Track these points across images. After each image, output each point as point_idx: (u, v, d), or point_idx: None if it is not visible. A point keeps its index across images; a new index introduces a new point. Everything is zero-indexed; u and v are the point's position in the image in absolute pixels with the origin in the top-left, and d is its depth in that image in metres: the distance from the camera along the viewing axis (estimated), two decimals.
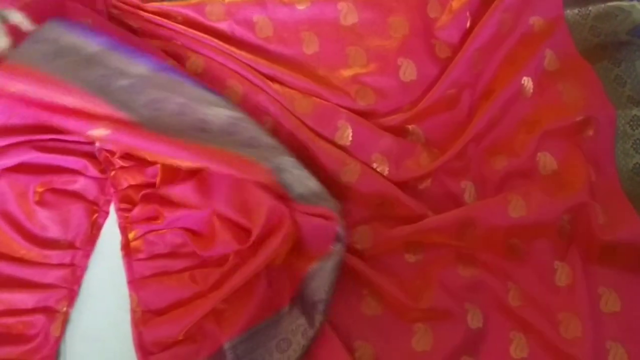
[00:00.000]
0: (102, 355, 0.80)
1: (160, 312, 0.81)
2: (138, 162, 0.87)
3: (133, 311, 0.81)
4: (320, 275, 0.77)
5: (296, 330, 0.76)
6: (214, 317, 0.77)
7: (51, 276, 0.81)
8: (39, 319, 0.79)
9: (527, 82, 0.88)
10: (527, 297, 0.80)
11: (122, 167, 0.87)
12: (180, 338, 0.78)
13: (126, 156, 0.86)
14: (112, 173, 0.87)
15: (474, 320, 0.79)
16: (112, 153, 0.87)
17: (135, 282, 0.82)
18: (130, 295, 0.82)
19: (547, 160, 0.86)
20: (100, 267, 0.85)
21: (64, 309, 0.81)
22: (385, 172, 0.86)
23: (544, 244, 0.81)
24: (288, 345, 0.75)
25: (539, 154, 0.86)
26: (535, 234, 0.81)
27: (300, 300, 0.78)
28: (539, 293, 0.79)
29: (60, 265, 0.83)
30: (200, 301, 0.77)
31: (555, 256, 0.81)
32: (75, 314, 0.82)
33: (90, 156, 0.87)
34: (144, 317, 0.81)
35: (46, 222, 0.83)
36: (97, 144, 0.88)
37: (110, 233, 0.86)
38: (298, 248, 0.80)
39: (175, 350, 0.78)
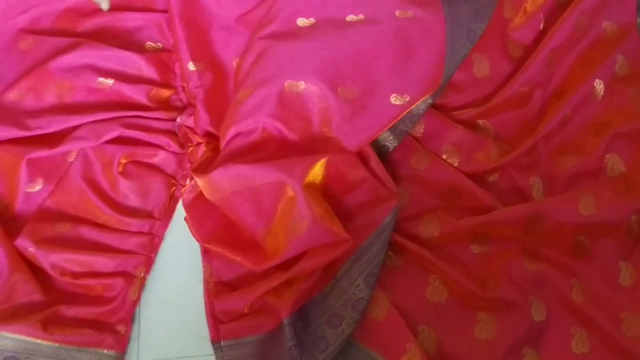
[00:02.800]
0: (175, 321, 0.85)
1: (230, 284, 0.86)
2: (214, 139, 0.91)
3: (206, 282, 0.86)
4: (372, 250, 0.81)
5: (345, 304, 0.80)
6: (275, 293, 0.81)
7: (130, 243, 0.87)
8: (118, 282, 0.84)
9: (599, 84, 0.91)
10: (590, 294, 0.82)
11: (199, 143, 0.91)
12: (246, 311, 0.83)
13: (206, 133, 0.91)
14: (190, 149, 0.91)
15: (538, 313, 0.82)
16: (192, 130, 0.91)
17: (208, 254, 0.87)
18: (204, 267, 0.87)
19: (615, 162, 0.88)
20: (176, 238, 0.90)
21: (142, 274, 0.86)
22: (455, 164, 0.90)
23: (611, 243, 0.83)
24: (340, 321, 0.79)
25: (607, 155, 0.89)
26: (602, 233, 0.84)
27: (348, 274, 0.81)
28: (603, 291, 0.82)
29: (139, 233, 0.88)
30: (266, 281, 0.81)
31: (621, 256, 0.83)
32: (151, 280, 0.87)
33: (171, 133, 0.93)
34: (216, 288, 0.85)
35: (127, 192, 0.89)
36: (178, 120, 0.92)
37: None
38: (354, 217, 0.84)
39: (242, 321, 0.83)
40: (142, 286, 0.85)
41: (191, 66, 0.93)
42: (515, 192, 0.89)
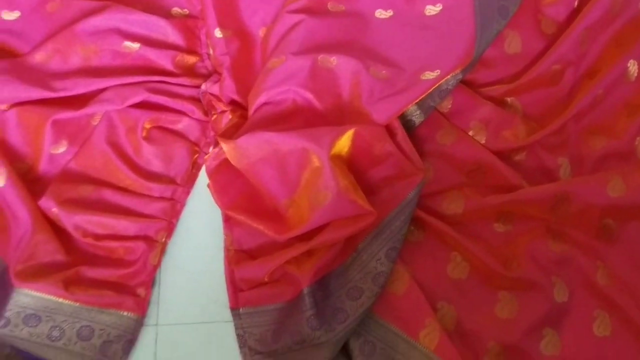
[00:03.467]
0: (194, 287, 0.86)
1: (251, 252, 0.86)
2: (239, 107, 0.91)
3: (227, 249, 0.86)
4: (395, 224, 0.81)
5: (365, 277, 0.80)
6: (296, 263, 0.82)
7: (152, 208, 0.87)
8: (140, 246, 0.84)
9: (632, 65, 0.89)
10: (615, 277, 0.81)
11: (223, 111, 0.91)
12: (266, 280, 0.83)
13: (230, 101, 0.91)
14: (214, 117, 0.91)
15: (560, 294, 0.81)
16: (217, 98, 0.91)
17: (230, 222, 0.87)
18: (225, 234, 0.87)
19: None
20: (198, 205, 0.90)
21: (163, 239, 0.86)
22: (482, 141, 0.89)
23: (638, 226, 0.82)
24: (360, 293, 0.79)
25: (638, 138, 0.87)
26: (630, 216, 0.83)
27: (369, 248, 0.81)
28: (628, 275, 0.81)
29: (161, 199, 0.88)
30: (287, 250, 0.82)
31: None
32: (172, 246, 0.88)
33: (196, 100, 0.93)
34: (237, 256, 0.86)
35: (151, 157, 0.89)
36: (203, 87, 0.92)
37: None
38: (378, 191, 0.84)
39: (261, 290, 0.84)
40: (163, 251, 0.86)
41: (218, 33, 0.93)
42: (542, 171, 0.89)
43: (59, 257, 0.81)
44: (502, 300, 0.81)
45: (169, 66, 0.93)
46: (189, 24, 0.96)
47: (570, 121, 0.89)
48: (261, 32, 0.94)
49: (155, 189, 0.88)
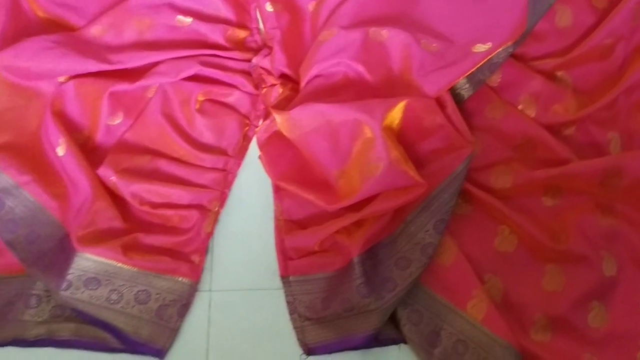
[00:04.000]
0: (246, 255, 0.89)
1: (301, 223, 0.88)
2: (289, 80, 0.93)
3: (277, 219, 0.89)
4: (443, 197, 0.83)
5: (413, 248, 0.82)
6: (346, 233, 0.84)
7: (205, 178, 0.90)
8: (194, 214, 0.87)
9: None
10: None
11: (273, 85, 0.93)
12: (316, 249, 0.86)
13: (281, 75, 0.93)
14: (264, 90, 0.94)
15: (608, 268, 0.82)
16: (267, 71, 0.94)
17: (280, 193, 0.90)
18: (275, 205, 0.90)
19: None
20: (249, 176, 0.93)
21: (216, 208, 0.89)
22: (532, 115, 0.90)
23: None
24: (408, 263, 0.81)
25: None
26: None
27: (418, 219, 0.83)
28: None
29: (214, 169, 0.91)
30: (337, 220, 0.84)
31: None
32: (225, 215, 0.90)
33: (246, 74, 0.95)
34: (287, 225, 0.88)
35: (203, 129, 0.92)
36: (254, 61, 0.94)
37: None
38: (427, 163, 0.85)
39: (311, 259, 0.86)
40: (216, 220, 0.89)
41: (269, 7, 0.95)
42: (591, 146, 0.89)
43: (118, 223, 0.84)
44: (549, 273, 0.82)
45: (220, 40, 0.95)
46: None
47: (621, 95, 0.89)
48: (310, 6, 0.96)
49: (208, 159, 0.91)
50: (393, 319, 0.82)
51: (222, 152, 0.92)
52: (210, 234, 0.88)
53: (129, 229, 0.85)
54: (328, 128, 0.84)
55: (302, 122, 0.84)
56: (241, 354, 0.83)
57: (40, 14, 0.95)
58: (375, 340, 0.81)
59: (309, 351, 0.82)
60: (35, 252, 0.82)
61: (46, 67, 0.88)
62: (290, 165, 0.88)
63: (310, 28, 0.95)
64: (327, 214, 0.86)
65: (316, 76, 0.89)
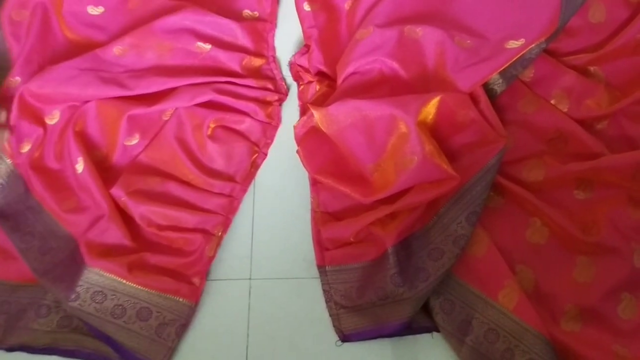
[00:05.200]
0: (284, 245, 0.94)
1: (336, 215, 0.93)
2: (326, 77, 0.98)
3: (313, 211, 0.94)
4: (476, 189, 0.86)
5: (446, 240, 0.85)
6: (380, 224, 0.88)
7: (212, 203, 0.94)
8: (197, 238, 0.92)
9: None
10: None
11: (310, 82, 0.98)
12: (352, 240, 0.90)
13: (317, 72, 0.98)
14: (301, 87, 0.99)
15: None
16: (304, 69, 0.99)
17: (317, 186, 0.95)
18: (312, 197, 0.95)
19: None
20: (287, 170, 0.98)
21: (219, 233, 0.94)
22: (565, 109, 0.93)
23: None
24: (441, 254, 0.85)
25: None
26: None
27: (451, 212, 0.87)
28: None
29: (221, 195, 0.95)
30: (372, 212, 0.88)
31: None
32: (263, 207, 0.96)
33: (259, 101, 0.99)
34: (323, 217, 0.93)
35: (214, 154, 0.97)
36: (292, 59, 1.00)
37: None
38: (460, 157, 0.89)
39: (347, 249, 0.91)
40: (218, 244, 0.93)
41: (306, 6, 0.99)
42: (624, 140, 0.91)
43: (126, 242, 0.89)
44: (580, 264, 0.85)
45: (236, 68, 1.00)
46: (258, 27, 1.03)
47: None
48: (346, 5, 1.00)
49: (216, 185, 0.95)
50: (426, 308, 0.86)
51: (230, 178, 0.97)
52: (212, 258, 0.92)
53: (136, 248, 0.90)
54: (364, 123, 0.88)
55: (339, 117, 0.89)
56: (279, 339, 0.88)
57: (69, 34, 1.02)
58: (409, 328, 0.85)
59: (344, 338, 0.87)
60: (48, 264, 0.88)
61: (71, 94, 0.94)
62: (327, 159, 0.93)
63: (346, 27, 1.00)
64: (362, 206, 0.90)
65: (353, 73, 0.93)
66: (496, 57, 0.89)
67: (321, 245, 0.92)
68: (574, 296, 0.84)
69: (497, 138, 0.88)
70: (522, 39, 0.89)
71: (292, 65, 1.00)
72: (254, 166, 0.98)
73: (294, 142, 0.96)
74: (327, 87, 0.96)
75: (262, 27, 1.04)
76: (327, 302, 0.89)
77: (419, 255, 0.86)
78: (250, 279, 0.92)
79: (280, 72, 1.03)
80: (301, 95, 0.98)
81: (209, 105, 0.97)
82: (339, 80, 0.93)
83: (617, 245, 0.84)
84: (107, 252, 0.88)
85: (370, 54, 0.92)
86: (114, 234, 0.90)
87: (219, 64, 1.00)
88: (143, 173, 0.94)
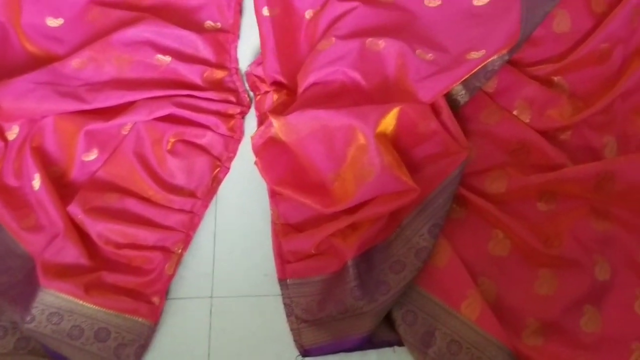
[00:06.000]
0: (246, 261, 0.94)
1: (297, 226, 0.93)
2: (283, 87, 0.99)
3: (274, 223, 0.94)
4: (438, 201, 0.86)
5: (408, 252, 0.85)
6: (341, 236, 0.88)
7: (172, 219, 0.94)
8: (157, 256, 0.91)
9: None
10: None
11: (266, 92, 0.98)
12: (313, 252, 0.90)
13: (274, 82, 0.98)
14: (258, 97, 0.99)
15: (602, 272, 0.85)
16: (260, 78, 0.99)
17: (276, 197, 0.95)
18: (272, 209, 0.95)
19: None
20: (246, 182, 0.98)
21: (179, 251, 0.93)
22: (527, 120, 0.93)
23: None
24: (402, 267, 0.85)
25: None
26: None
27: (413, 224, 0.87)
28: None
29: (181, 211, 0.95)
30: (333, 223, 0.88)
31: None
32: (225, 223, 0.96)
33: (221, 114, 0.99)
34: (284, 229, 0.93)
35: (174, 169, 0.96)
36: (247, 69, 1.01)
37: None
38: (422, 168, 0.89)
39: (308, 262, 0.91)
40: (178, 262, 0.92)
41: (265, 11, 1.00)
42: (587, 151, 0.92)
43: (83, 261, 0.89)
44: (542, 277, 0.86)
45: (197, 80, 1.00)
46: (220, 39, 1.03)
47: (617, 100, 0.92)
48: (307, 14, 1.01)
49: (176, 201, 0.94)
50: (388, 320, 0.86)
51: (190, 193, 0.96)
52: (172, 276, 0.91)
53: (94, 267, 0.89)
54: (324, 132, 0.88)
55: (298, 126, 0.89)
56: (241, 358, 0.88)
57: (29, 47, 1.01)
58: (370, 343, 0.85)
59: (304, 353, 0.86)
60: (4, 284, 0.88)
61: (27, 109, 0.94)
62: (286, 170, 0.93)
63: (305, 36, 1.00)
64: (324, 216, 0.90)
65: (314, 83, 0.93)
66: (457, 68, 0.89)
67: (282, 258, 0.92)
68: (536, 309, 0.84)
69: (459, 149, 0.88)
70: (482, 50, 0.89)
71: (248, 75, 1.00)
72: (216, 181, 0.98)
73: (252, 152, 0.96)
74: (285, 95, 0.96)
75: (224, 38, 1.03)
76: (288, 316, 0.89)
77: (380, 268, 0.86)
78: (211, 297, 0.91)
79: (243, 84, 1.03)
80: (258, 106, 0.99)
81: (169, 119, 0.96)
82: (300, 90, 0.93)
83: (578, 258, 0.85)
84: (63, 272, 0.87)
85: (331, 64, 0.92)
86: (70, 253, 0.89)
87: (179, 76, 0.99)
88: (101, 189, 0.93)
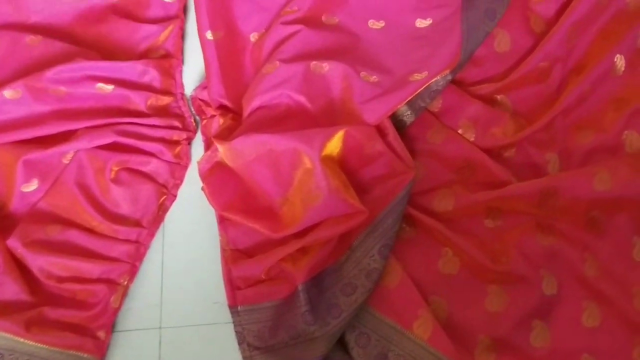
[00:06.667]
0: (196, 289, 0.93)
1: (247, 251, 0.93)
2: (228, 111, 0.99)
3: (223, 249, 0.93)
4: (387, 222, 0.87)
5: (359, 274, 0.86)
6: (291, 260, 0.88)
7: (117, 250, 0.92)
8: (102, 289, 0.89)
9: (619, 59, 0.94)
10: (603, 268, 0.87)
11: (212, 116, 0.98)
12: (263, 277, 0.90)
13: (219, 106, 0.98)
14: (204, 122, 0.99)
15: (549, 287, 0.87)
16: (206, 103, 0.99)
17: (224, 223, 0.94)
18: (220, 235, 0.94)
19: (633, 139, 0.92)
20: (193, 209, 0.97)
21: (125, 282, 0.91)
22: (472, 139, 0.96)
23: (625, 218, 0.88)
24: (354, 289, 0.85)
25: (625, 132, 0.93)
26: (617, 209, 0.88)
27: (363, 245, 0.88)
28: (616, 266, 0.87)
29: (126, 241, 0.93)
30: (282, 248, 0.88)
31: (635, 231, 0.88)
32: (172, 250, 0.95)
33: (166, 141, 0.98)
34: (233, 255, 0.92)
35: (118, 199, 0.94)
36: (192, 93, 1.01)
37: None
38: (370, 189, 0.91)
39: (259, 287, 0.90)
40: (124, 294, 0.91)
41: (209, 35, 0.99)
42: (531, 167, 0.95)
43: (23, 297, 0.86)
44: (491, 294, 0.87)
45: (141, 107, 0.98)
46: (164, 64, 1.02)
47: (558, 117, 0.95)
48: (252, 37, 1.02)
49: (121, 231, 0.92)
50: (341, 343, 0.86)
51: (136, 223, 0.94)
52: (118, 309, 0.89)
53: (35, 303, 0.86)
54: (270, 157, 0.89)
55: (244, 151, 0.89)
56: None
57: None
58: None
59: None
60: None
61: None
62: (234, 195, 0.92)
63: (250, 59, 1.01)
64: (273, 241, 0.90)
65: (259, 107, 0.94)
66: (401, 90, 0.91)
67: (232, 285, 0.91)
68: (487, 326, 0.85)
69: (406, 170, 0.90)
70: (425, 72, 0.91)
71: (193, 99, 1.00)
72: (162, 209, 0.96)
73: (199, 178, 0.95)
74: (231, 120, 0.96)
75: (168, 63, 1.03)
76: (239, 344, 0.88)
77: (331, 291, 0.86)
78: (160, 328, 0.90)
79: (189, 109, 1.02)
80: (204, 130, 0.98)
81: (112, 147, 0.94)
82: (245, 114, 0.94)
83: (525, 273, 0.87)
84: (2, 309, 0.84)
85: (276, 88, 0.93)
86: (10, 289, 0.86)
87: (122, 104, 0.98)
88: (42, 221, 0.91)
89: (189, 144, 1.00)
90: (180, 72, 1.03)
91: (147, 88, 1.00)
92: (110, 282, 0.90)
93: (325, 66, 0.94)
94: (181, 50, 1.05)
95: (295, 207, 0.88)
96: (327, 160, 0.87)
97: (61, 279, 0.88)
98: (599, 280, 0.86)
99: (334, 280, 0.87)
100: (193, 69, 1.06)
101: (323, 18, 1.01)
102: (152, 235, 0.94)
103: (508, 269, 0.87)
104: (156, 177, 0.97)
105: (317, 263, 0.87)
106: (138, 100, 0.98)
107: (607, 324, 0.85)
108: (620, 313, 0.84)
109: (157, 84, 1.00)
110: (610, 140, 0.92)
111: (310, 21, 0.99)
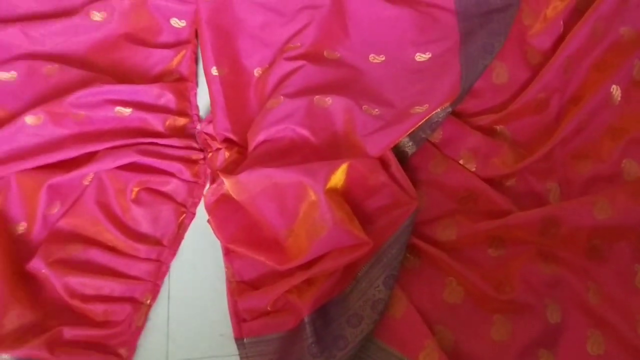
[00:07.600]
0: (202, 321, 0.94)
1: (252, 283, 0.95)
2: (234, 144, 1.02)
3: (229, 281, 0.95)
4: (392, 252, 0.89)
5: (364, 305, 0.88)
6: (297, 292, 0.90)
7: (138, 269, 0.94)
8: (125, 308, 0.91)
9: (616, 90, 0.98)
10: (606, 296, 0.89)
11: (218, 149, 1.01)
12: (269, 309, 0.92)
13: (225, 140, 1.01)
14: (209, 155, 1.02)
15: (553, 315, 0.89)
16: (211, 136, 1.02)
17: (230, 255, 0.96)
18: (226, 267, 0.96)
19: (632, 167, 0.95)
20: (200, 241, 0.99)
21: (148, 301, 0.93)
22: (473, 169, 0.98)
23: (626, 246, 0.91)
24: (360, 320, 0.87)
25: (624, 160, 0.96)
26: (617, 237, 0.91)
27: (368, 276, 0.90)
28: (619, 293, 0.89)
29: (148, 260, 0.95)
30: (288, 279, 0.90)
31: (636, 259, 0.90)
32: (179, 283, 0.96)
33: (185, 160, 1.01)
34: (239, 287, 0.94)
35: (139, 218, 0.97)
36: (198, 127, 1.04)
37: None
38: (374, 220, 0.93)
39: (265, 319, 0.92)
40: (147, 313, 0.93)
41: (214, 71, 1.03)
42: (532, 196, 0.97)
43: (35, 319, 0.87)
44: (496, 323, 0.89)
45: (159, 128, 1.02)
46: (179, 87, 1.06)
47: (557, 147, 0.97)
48: (256, 72, 1.05)
49: (142, 249, 0.95)
50: None
51: (157, 242, 0.97)
52: (141, 328, 0.91)
53: (53, 324, 0.87)
54: (275, 190, 0.91)
55: (249, 185, 0.91)
56: None
57: None
58: None
59: None
60: None
61: None
62: (239, 227, 0.95)
63: (255, 93, 1.04)
64: (279, 273, 0.92)
65: (264, 141, 0.97)
66: (402, 122, 0.94)
67: (238, 317, 0.92)
68: (493, 355, 0.87)
69: (409, 200, 0.92)
70: (426, 105, 0.95)
71: (199, 133, 1.03)
72: (182, 227, 0.99)
73: (205, 210, 0.97)
74: (236, 153, 0.99)
75: (183, 86, 1.06)
76: None
77: (337, 322, 0.88)
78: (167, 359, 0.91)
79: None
80: (210, 163, 1.01)
81: (132, 167, 0.97)
82: (250, 148, 0.96)
83: (529, 302, 0.89)
84: (20, 335, 0.85)
85: (280, 122, 0.96)
86: (19, 314, 0.86)
87: (141, 125, 1.01)
88: (63, 241, 0.93)
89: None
90: (195, 94, 1.07)
91: (164, 110, 1.03)
92: (133, 301, 0.92)
93: (329, 100, 0.97)
94: (195, 74, 1.09)
95: (301, 239, 0.90)
96: (331, 193, 0.89)
97: (85, 298, 0.89)
98: (603, 308, 0.87)
99: (340, 311, 0.89)
100: (202, 97, 1.09)
101: (325, 53, 1.05)
102: (173, 254, 0.97)
103: (512, 298, 0.89)
104: (175, 196, 0.99)
105: (323, 294, 0.89)
106: (156, 122, 1.01)
107: (612, 351, 0.86)
108: (624, 340, 0.85)
109: (172, 106, 1.04)
110: (608, 169, 0.95)
111: (312, 56, 1.04)
